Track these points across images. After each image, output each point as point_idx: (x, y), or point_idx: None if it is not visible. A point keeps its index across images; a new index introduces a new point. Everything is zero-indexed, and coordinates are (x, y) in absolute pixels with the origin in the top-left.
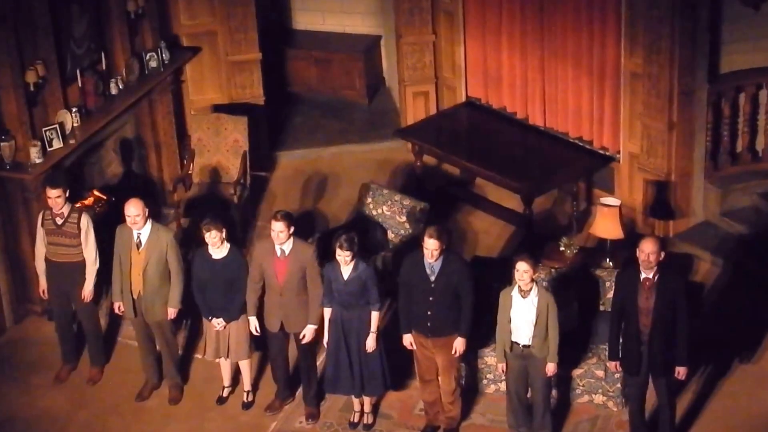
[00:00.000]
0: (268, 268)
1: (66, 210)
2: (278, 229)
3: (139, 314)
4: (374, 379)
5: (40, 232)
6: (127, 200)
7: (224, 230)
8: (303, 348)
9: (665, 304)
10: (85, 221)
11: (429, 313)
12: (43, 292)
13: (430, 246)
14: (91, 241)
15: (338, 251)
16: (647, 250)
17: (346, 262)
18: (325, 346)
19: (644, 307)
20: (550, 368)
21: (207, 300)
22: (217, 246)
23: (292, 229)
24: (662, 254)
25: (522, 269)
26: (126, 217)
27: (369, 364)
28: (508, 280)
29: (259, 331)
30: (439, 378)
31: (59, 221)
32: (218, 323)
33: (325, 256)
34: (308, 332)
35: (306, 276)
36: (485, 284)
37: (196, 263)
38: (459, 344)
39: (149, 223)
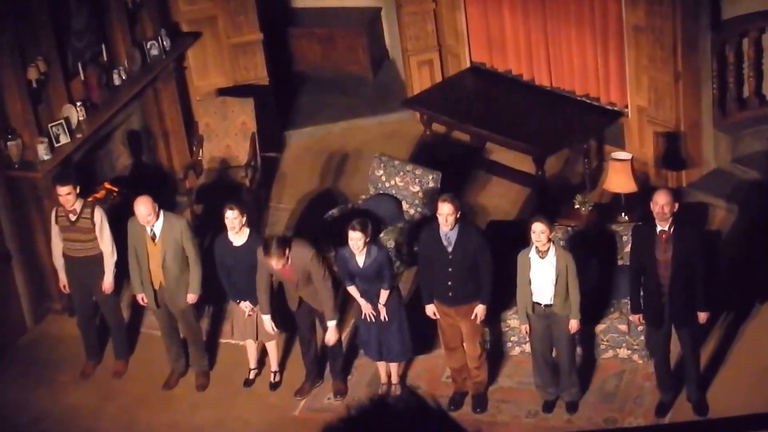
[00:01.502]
0: (277, 273)
1: (78, 206)
2: (232, 216)
3: (162, 305)
4: (394, 348)
5: (54, 229)
6: (136, 199)
7: (245, 215)
8: (324, 322)
9: (683, 255)
10: (99, 215)
11: (449, 283)
12: (64, 287)
13: (445, 211)
14: (106, 234)
15: (350, 233)
16: (661, 202)
17: (358, 248)
18: (367, 313)
19: (662, 260)
20: (573, 325)
21: (233, 284)
22: (236, 230)
23: (245, 219)
24: (676, 205)
25: (538, 230)
26: (138, 217)
27: (392, 331)
28: (525, 242)
29: (275, 330)
30: (464, 344)
31: (72, 218)
32: (246, 306)
33: (336, 240)
34: (331, 332)
35: (314, 282)
36: (503, 248)
37: (218, 250)
38: (480, 311)
39: (161, 215)
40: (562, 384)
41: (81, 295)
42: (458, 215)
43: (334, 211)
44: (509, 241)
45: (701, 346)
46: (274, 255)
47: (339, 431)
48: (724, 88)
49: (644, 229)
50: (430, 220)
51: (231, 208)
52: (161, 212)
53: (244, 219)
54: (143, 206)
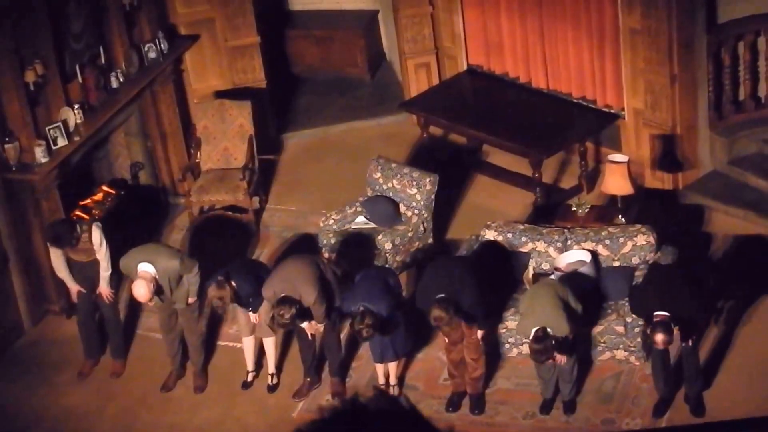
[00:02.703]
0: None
1: (78, 235)
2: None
3: (165, 303)
4: (391, 348)
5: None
6: (133, 285)
7: (231, 298)
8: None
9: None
10: (97, 236)
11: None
12: (79, 292)
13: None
14: (103, 251)
15: (358, 336)
16: (661, 342)
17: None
18: None
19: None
20: (558, 357)
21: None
22: (221, 308)
23: (231, 295)
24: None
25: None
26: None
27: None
28: (519, 247)
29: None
30: (464, 330)
31: (73, 242)
32: (252, 316)
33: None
34: (313, 327)
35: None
36: (498, 250)
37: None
38: (480, 334)
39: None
40: (561, 383)
41: (84, 293)
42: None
43: (332, 213)
44: (503, 248)
45: (699, 344)
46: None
47: None
48: (720, 90)
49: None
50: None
51: (221, 287)
52: (155, 267)
53: (231, 296)
54: (142, 289)
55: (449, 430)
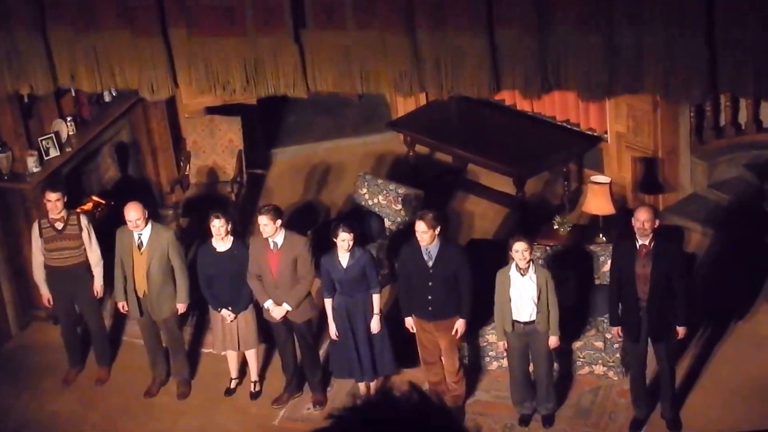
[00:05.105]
0: (263, 263)
1: (65, 214)
2: (263, 222)
3: (145, 313)
4: (385, 360)
5: (37, 242)
6: (126, 204)
7: (230, 223)
8: (302, 335)
9: (662, 269)
10: (85, 220)
11: (429, 297)
12: (49, 300)
13: (420, 229)
14: (93, 238)
15: (340, 234)
16: (642, 218)
17: (347, 248)
18: (332, 335)
19: (641, 274)
20: (553, 341)
21: (215, 293)
22: (221, 237)
23: (278, 222)
24: (657, 222)
25: (521, 248)
26: (127, 222)
27: (379, 345)
28: (504, 261)
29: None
30: (443, 359)
31: (59, 226)
32: (228, 315)
33: (323, 248)
34: (279, 311)
35: (298, 267)
36: (483, 266)
37: (200, 257)
38: (460, 326)
39: (149, 224)
40: (538, 399)
41: (65, 304)
42: (436, 232)
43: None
44: (489, 259)
45: (677, 362)
46: (265, 214)
47: (344, 421)
48: (701, 116)
49: (624, 244)
50: (409, 232)
51: (217, 217)
52: (150, 221)
53: (229, 226)
54: (133, 211)
55: (477, 430)
